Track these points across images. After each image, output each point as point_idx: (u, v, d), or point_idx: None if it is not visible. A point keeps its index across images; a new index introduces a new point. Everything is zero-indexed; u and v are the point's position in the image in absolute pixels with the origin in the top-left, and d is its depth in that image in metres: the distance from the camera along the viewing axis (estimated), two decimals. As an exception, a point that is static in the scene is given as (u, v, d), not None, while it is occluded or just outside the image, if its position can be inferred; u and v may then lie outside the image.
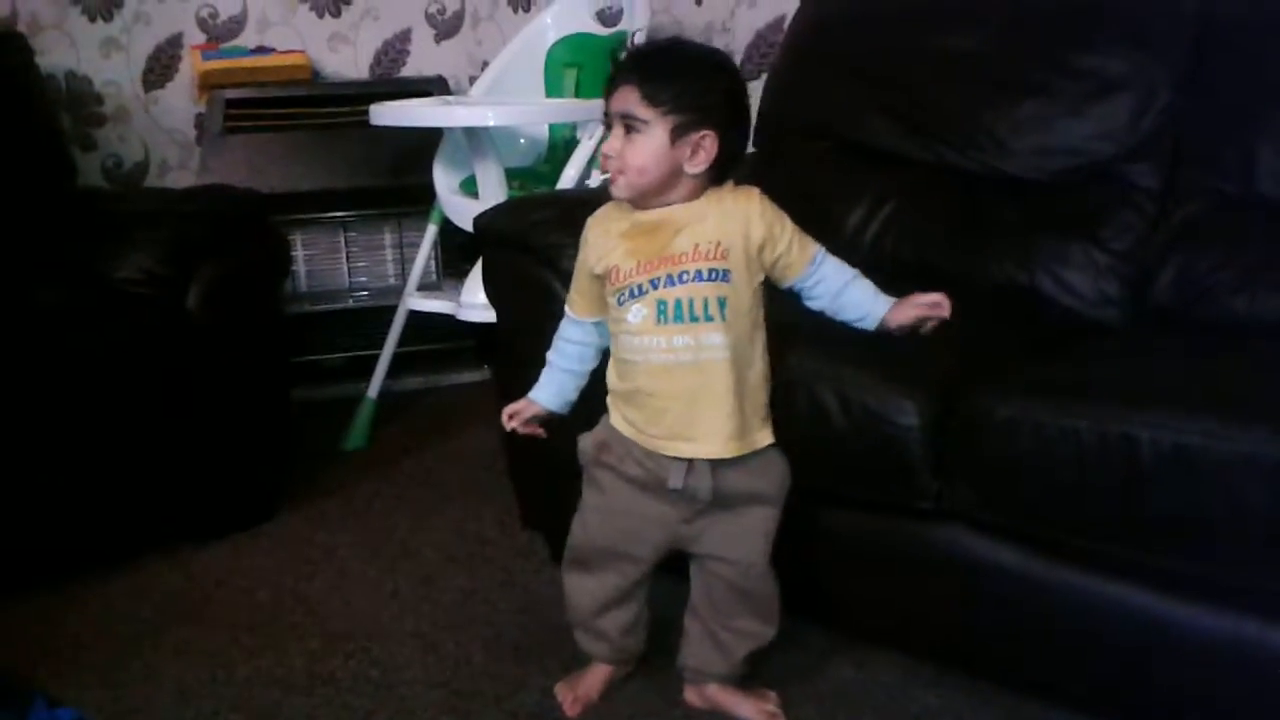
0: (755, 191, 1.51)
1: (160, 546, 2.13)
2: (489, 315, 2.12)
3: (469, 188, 2.53)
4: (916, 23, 2.24)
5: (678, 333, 1.46)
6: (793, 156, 2.32)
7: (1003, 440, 1.49)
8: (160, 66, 2.99)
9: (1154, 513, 1.40)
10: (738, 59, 2.89)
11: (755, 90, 2.65)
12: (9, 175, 2.37)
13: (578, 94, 2.74)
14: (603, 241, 1.52)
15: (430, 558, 2.12)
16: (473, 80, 3.05)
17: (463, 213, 2.43)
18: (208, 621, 1.92)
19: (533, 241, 1.87)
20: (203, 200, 2.31)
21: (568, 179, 2.43)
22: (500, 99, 2.70)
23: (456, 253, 2.82)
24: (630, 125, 1.44)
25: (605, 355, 1.59)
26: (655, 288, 1.46)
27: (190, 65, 2.97)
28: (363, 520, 2.29)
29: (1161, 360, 1.65)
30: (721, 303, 1.46)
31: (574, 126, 2.64)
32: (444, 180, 2.59)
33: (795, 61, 2.40)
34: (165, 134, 3.03)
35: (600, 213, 1.55)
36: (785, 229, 1.51)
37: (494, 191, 2.39)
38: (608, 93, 1.47)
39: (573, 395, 1.63)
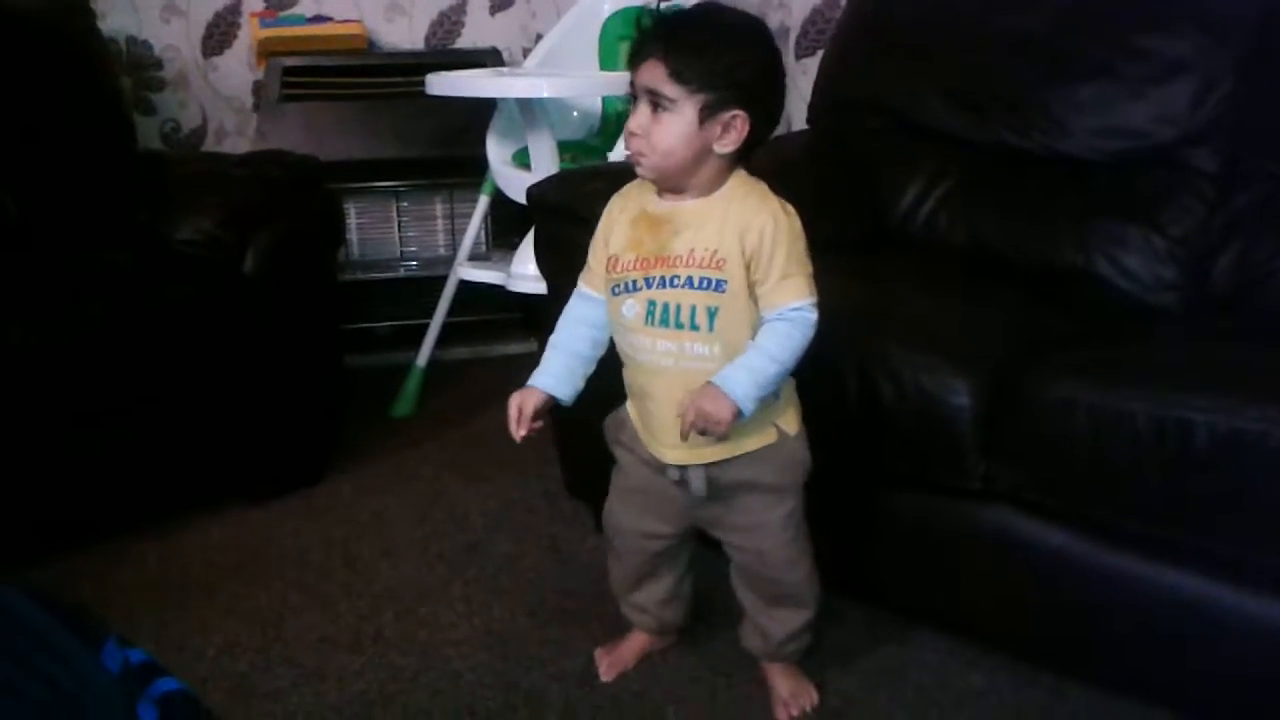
0: (776, 208, 1.38)
1: (212, 505, 2.17)
2: (539, 286, 2.13)
3: (521, 159, 2.54)
4: (977, 1, 2.21)
5: (662, 337, 1.41)
6: (847, 134, 2.31)
7: (1056, 421, 1.48)
8: (219, 33, 3.02)
9: (1207, 497, 1.39)
10: (793, 35, 2.87)
11: (811, 66, 2.65)
12: (72, 137, 2.41)
13: (631, 67, 2.74)
14: (619, 219, 1.46)
15: (476, 524, 2.15)
16: (526, 52, 3.05)
17: (515, 184, 2.44)
18: (257, 579, 1.95)
19: (584, 213, 1.86)
20: (261, 165, 2.33)
21: (620, 152, 2.43)
22: (554, 71, 2.71)
23: (507, 224, 2.84)
24: (657, 102, 1.35)
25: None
26: (649, 286, 1.40)
27: (249, 32, 3.00)
28: (410, 486, 2.31)
29: (1218, 345, 1.64)
30: (711, 313, 1.38)
31: (627, 99, 2.63)
32: (496, 151, 2.61)
33: (852, 38, 2.39)
34: (223, 100, 3.06)
35: (625, 190, 1.50)
36: (777, 259, 1.37)
37: (546, 163, 2.40)
38: (633, 63, 1.37)
39: (580, 383, 1.52)
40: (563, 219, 1.92)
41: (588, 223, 1.85)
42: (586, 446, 2.02)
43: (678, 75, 1.33)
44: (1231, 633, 1.43)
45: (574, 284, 1.90)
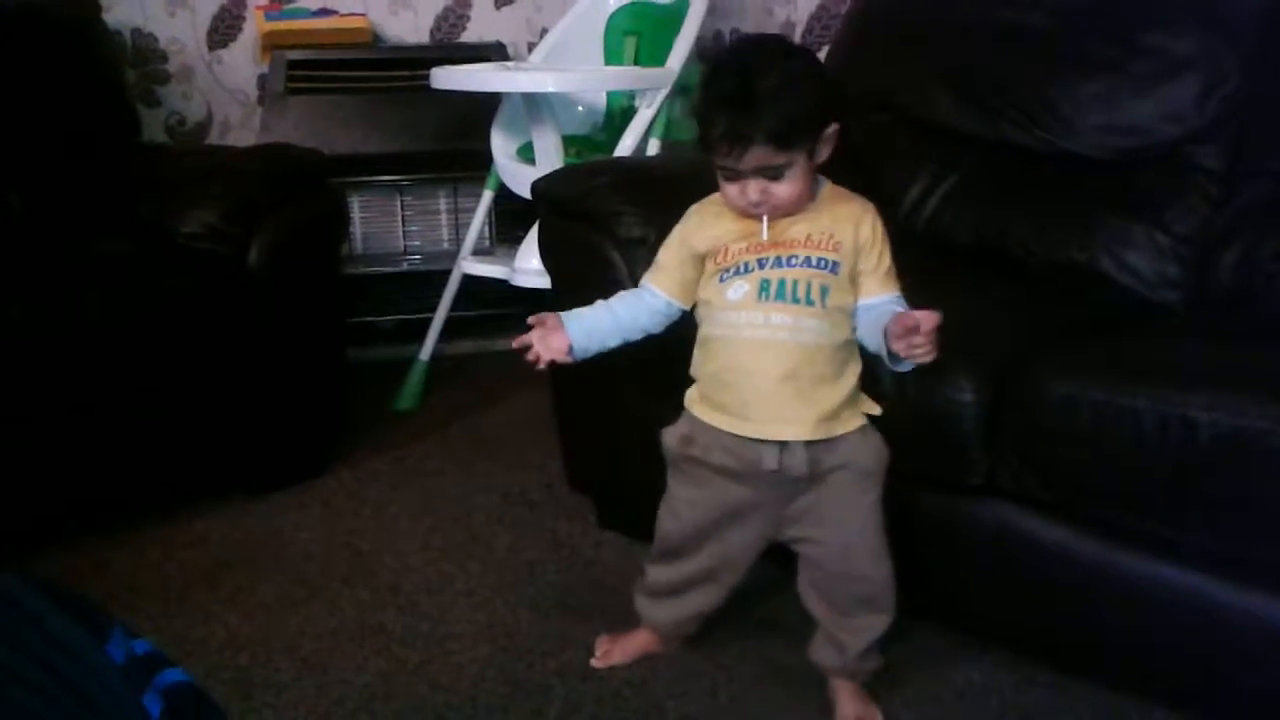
0: (873, 206, 1.52)
1: (215, 497, 2.18)
2: (543, 281, 2.13)
3: (526, 154, 2.54)
4: (983, -3, 2.21)
5: (777, 310, 1.45)
6: (852, 130, 2.29)
7: (1059, 418, 1.48)
8: (224, 26, 3.02)
9: (1210, 495, 1.39)
10: (799, 30, 2.87)
11: (816, 63, 2.64)
12: (77, 129, 2.41)
13: (637, 62, 2.74)
14: (715, 221, 1.51)
15: (479, 518, 2.15)
16: (531, 47, 3.05)
17: (519, 178, 2.45)
18: (260, 571, 1.96)
19: (589, 207, 1.87)
20: (265, 159, 2.34)
21: (625, 147, 2.43)
22: (559, 66, 2.71)
23: (511, 219, 2.84)
24: (771, 172, 1.42)
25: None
26: (762, 267, 1.46)
27: (254, 25, 3.00)
28: (413, 480, 2.32)
29: (1222, 344, 1.64)
30: (824, 291, 1.46)
31: (632, 94, 2.64)
32: (501, 146, 2.61)
33: (859, 33, 2.38)
34: (227, 93, 3.07)
35: (711, 198, 1.53)
36: (884, 253, 1.51)
37: (551, 158, 2.40)
38: (724, 151, 1.41)
39: (598, 348, 1.56)
40: (567, 213, 1.92)
41: (592, 217, 1.86)
42: (590, 442, 2.04)
43: (787, 145, 1.41)
44: (1233, 631, 1.43)
45: (577, 277, 1.91)
